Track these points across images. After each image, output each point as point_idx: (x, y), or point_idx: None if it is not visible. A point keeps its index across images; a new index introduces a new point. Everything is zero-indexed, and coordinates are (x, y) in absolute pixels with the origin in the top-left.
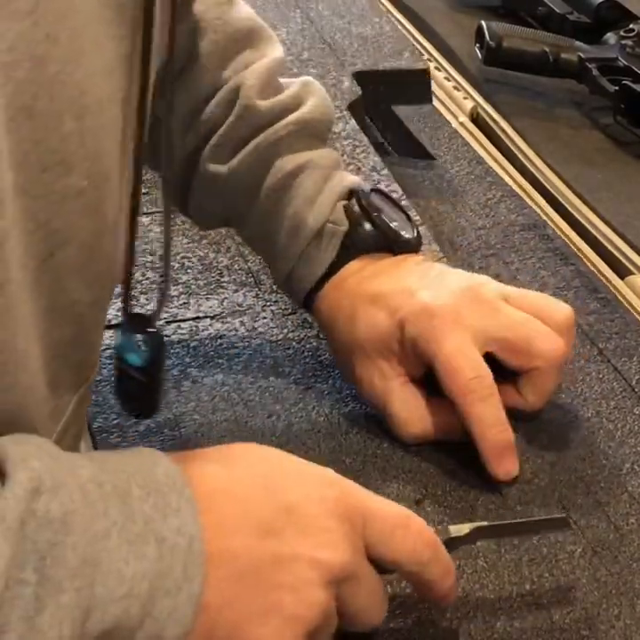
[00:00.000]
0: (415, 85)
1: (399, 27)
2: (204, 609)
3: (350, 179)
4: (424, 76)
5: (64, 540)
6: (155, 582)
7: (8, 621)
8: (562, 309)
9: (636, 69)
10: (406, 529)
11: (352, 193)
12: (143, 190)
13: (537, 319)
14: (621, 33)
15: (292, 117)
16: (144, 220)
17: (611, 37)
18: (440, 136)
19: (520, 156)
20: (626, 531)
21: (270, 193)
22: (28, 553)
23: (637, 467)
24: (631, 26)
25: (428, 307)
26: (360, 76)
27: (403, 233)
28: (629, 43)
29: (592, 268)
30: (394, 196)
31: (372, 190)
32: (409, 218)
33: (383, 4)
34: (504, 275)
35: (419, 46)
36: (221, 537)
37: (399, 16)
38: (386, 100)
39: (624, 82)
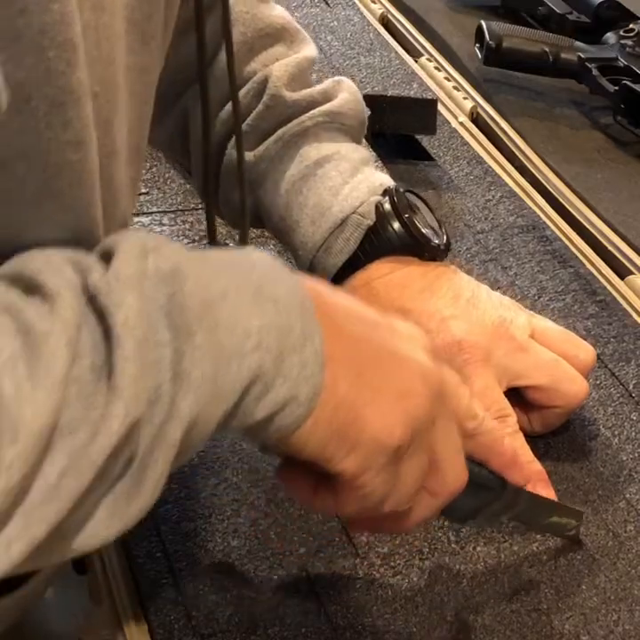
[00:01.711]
0: (422, 115)
1: (407, 60)
2: (328, 361)
3: (383, 176)
4: (432, 106)
5: (181, 289)
6: (280, 337)
7: (160, 383)
8: (587, 350)
9: (635, 69)
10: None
11: (386, 191)
12: (143, 190)
13: (563, 359)
14: (621, 33)
15: (320, 109)
16: (144, 220)
17: (610, 37)
18: (439, 136)
19: (520, 156)
20: (624, 537)
21: (295, 181)
22: (154, 313)
23: (635, 474)
24: (631, 26)
25: (460, 342)
26: (369, 100)
27: (433, 238)
28: (629, 42)
29: (592, 269)
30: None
31: (406, 191)
32: (440, 224)
33: (383, 4)
34: (503, 280)
35: (418, 46)
36: (332, 318)
37: (399, 16)
38: (392, 126)
39: (624, 82)
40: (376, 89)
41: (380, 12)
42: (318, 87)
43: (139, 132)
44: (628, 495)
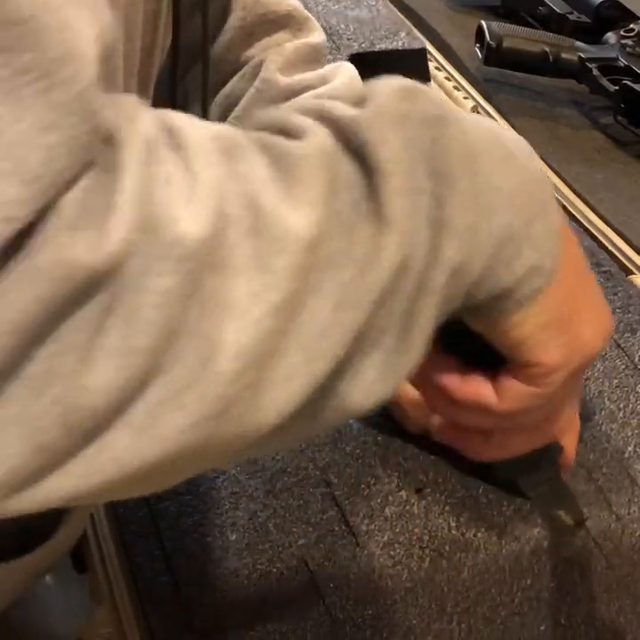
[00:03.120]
0: (413, 66)
1: (394, 8)
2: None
3: None
4: (421, 55)
5: (445, 134)
6: (530, 203)
7: (421, 227)
8: None
9: (636, 69)
10: None
11: None
12: None
13: None
14: (621, 33)
15: (313, 93)
16: None
17: (611, 37)
18: None
19: None
20: (627, 520)
21: None
22: (416, 157)
23: None
24: (631, 26)
25: None
26: (357, 59)
27: None
28: (629, 42)
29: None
30: None
31: None
32: None
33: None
34: None
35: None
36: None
37: (399, 15)
38: None
39: (624, 81)
40: (364, 45)
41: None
42: (315, 72)
43: None
44: (632, 473)
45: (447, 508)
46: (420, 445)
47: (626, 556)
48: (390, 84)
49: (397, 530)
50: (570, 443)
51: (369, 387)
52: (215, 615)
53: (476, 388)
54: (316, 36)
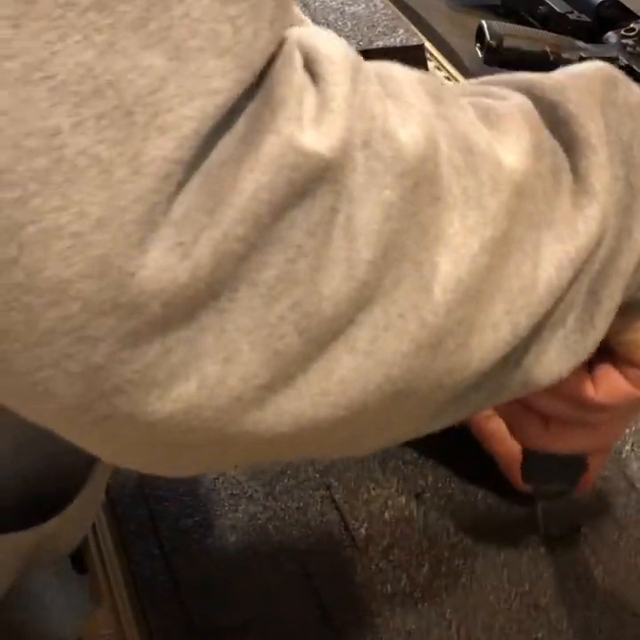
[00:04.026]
0: (411, 62)
1: (391, 4)
2: None
3: None
4: (420, 51)
5: None
6: None
7: (614, 209)
8: None
9: (636, 69)
10: None
11: None
12: None
13: None
14: (622, 32)
15: None
16: None
17: (611, 37)
18: None
19: None
20: (624, 523)
21: None
22: (614, 144)
23: (637, 448)
24: (632, 25)
25: None
26: None
27: None
28: (630, 42)
29: None
30: None
31: None
32: None
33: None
34: None
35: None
36: None
37: (397, 12)
38: None
39: None
40: (362, 42)
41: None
42: None
43: None
44: (628, 473)
45: (446, 513)
46: (419, 450)
47: (623, 560)
48: (595, 68)
49: (397, 535)
50: (598, 464)
51: (550, 364)
52: (214, 616)
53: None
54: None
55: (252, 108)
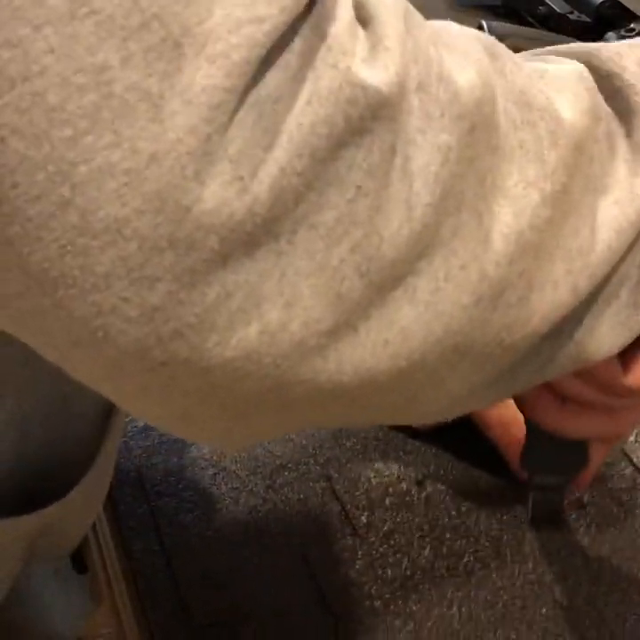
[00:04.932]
0: None
1: None
2: None
3: None
4: None
5: None
6: None
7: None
8: None
9: None
10: None
11: None
12: None
13: None
14: (622, 32)
15: None
16: None
17: (611, 37)
18: None
19: None
20: (630, 505)
21: None
22: None
23: None
24: (632, 25)
25: None
26: None
27: None
28: None
29: None
30: None
31: None
32: None
33: None
34: None
35: None
36: None
37: None
38: None
39: None
40: None
41: None
42: None
43: None
44: (634, 459)
45: (448, 497)
46: (420, 440)
47: (629, 539)
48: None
49: (398, 520)
50: (601, 456)
51: (602, 338)
52: (215, 608)
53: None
54: None
55: (302, 43)
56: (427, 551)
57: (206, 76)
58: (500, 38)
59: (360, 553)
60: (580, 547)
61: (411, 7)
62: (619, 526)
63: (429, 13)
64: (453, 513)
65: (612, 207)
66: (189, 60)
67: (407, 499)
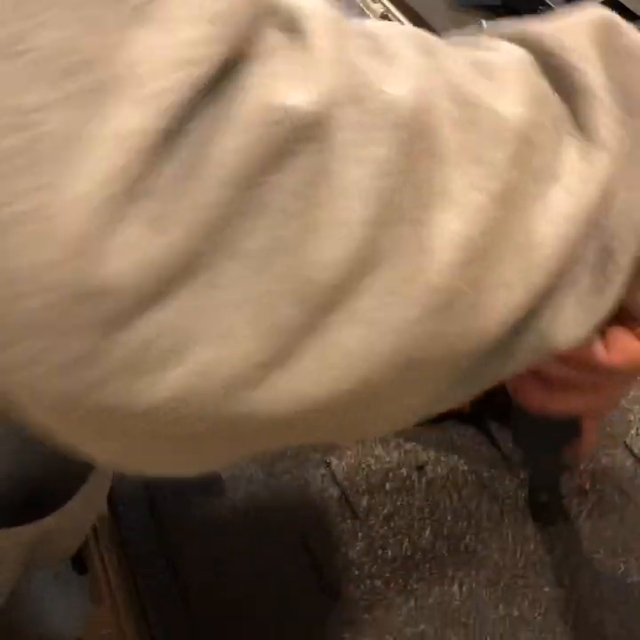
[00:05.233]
0: None
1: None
2: None
3: None
4: None
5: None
6: None
7: (627, 159)
8: None
9: None
10: None
11: None
12: None
13: None
14: None
15: None
16: None
17: None
18: None
19: None
20: (630, 494)
21: None
22: (617, 92)
23: None
24: (632, 25)
25: None
26: None
27: None
28: None
29: None
30: None
31: None
32: None
33: (383, 3)
34: None
35: None
36: None
37: (399, 15)
38: None
39: None
40: None
41: (381, 11)
42: None
43: None
44: (636, 450)
45: (448, 483)
46: (419, 428)
47: (629, 526)
48: (592, 13)
49: (398, 503)
50: (592, 428)
51: (567, 326)
52: (214, 613)
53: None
54: None
55: (227, 69)
56: (427, 533)
57: (131, 119)
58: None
59: (360, 535)
60: (582, 532)
61: (341, 16)
62: (619, 513)
63: (429, 13)
64: (454, 496)
65: (563, 195)
66: (115, 102)
67: (407, 483)
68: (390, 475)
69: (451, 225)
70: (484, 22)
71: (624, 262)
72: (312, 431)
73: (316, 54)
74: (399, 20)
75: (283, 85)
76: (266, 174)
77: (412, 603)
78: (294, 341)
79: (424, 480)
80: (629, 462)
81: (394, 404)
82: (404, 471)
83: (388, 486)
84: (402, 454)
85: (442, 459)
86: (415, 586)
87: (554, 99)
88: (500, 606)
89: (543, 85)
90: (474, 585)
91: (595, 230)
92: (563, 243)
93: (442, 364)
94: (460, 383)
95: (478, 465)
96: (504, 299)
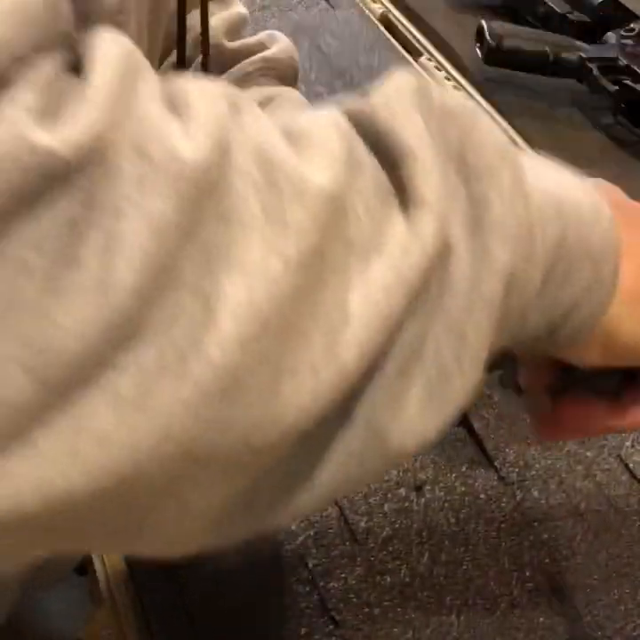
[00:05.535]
0: None
1: (407, 56)
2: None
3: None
4: None
5: (473, 129)
6: (576, 209)
7: (456, 219)
8: None
9: (636, 69)
10: None
11: None
12: None
13: None
14: (622, 32)
15: (259, 56)
16: None
17: (611, 37)
18: None
19: None
20: (627, 512)
21: None
22: (440, 152)
23: (638, 444)
24: (631, 25)
25: None
26: None
27: None
28: (630, 42)
29: None
30: None
31: None
32: None
33: (383, 4)
34: None
35: (419, 46)
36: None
37: (399, 16)
38: None
39: (624, 81)
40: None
41: (381, 11)
42: (253, 38)
43: None
44: (631, 465)
45: (446, 504)
46: None
47: (625, 545)
48: (399, 80)
49: (396, 526)
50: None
51: (410, 422)
52: (214, 613)
53: (635, 416)
54: (241, 7)
55: None
56: (425, 558)
57: None
58: (500, 38)
59: (359, 559)
60: (578, 554)
61: (143, 64)
62: (615, 533)
63: (429, 13)
64: (452, 520)
65: (385, 265)
66: None
67: (406, 505)
68: (389, 495)
69: (239, 295)
70: (484, 22)
71: (478, 343)
72: (69, 536)
73: (91, 90)
74: (399, 20)
75: (37, 121)
76: (6, 222)
77: (410, 633)
78: (28, 421)
79: (422, 501)
80: (625, 478)
81: (177, 508)
82: (402, 491)
83: (386, 508)
84: (400, 473)
85: (439, 478)
86: (413, 615)
87: (374, 166)
88: (497, 639)
89: (360, 148)
90: (471, 614)
91: (431, 305)
92: (382, 320)
93: (235, 460)
94: (274, 488)
95: (475, 486)
96: (309, 382)
